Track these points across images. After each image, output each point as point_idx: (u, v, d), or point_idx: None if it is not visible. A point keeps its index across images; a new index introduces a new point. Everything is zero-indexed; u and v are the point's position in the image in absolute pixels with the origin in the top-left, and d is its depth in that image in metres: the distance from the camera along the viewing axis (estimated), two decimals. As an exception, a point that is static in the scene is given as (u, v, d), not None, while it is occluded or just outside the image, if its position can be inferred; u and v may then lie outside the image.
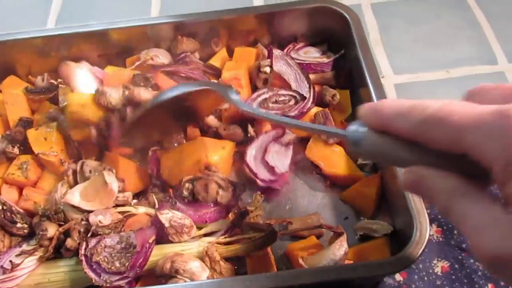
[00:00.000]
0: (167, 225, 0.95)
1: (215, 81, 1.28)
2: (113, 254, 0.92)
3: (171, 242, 0.97)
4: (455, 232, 1.14)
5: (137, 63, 1.29)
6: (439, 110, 0.51)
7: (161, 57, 1.32)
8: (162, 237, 0.98)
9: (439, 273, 1.10)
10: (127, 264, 0.90)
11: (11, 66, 1.40)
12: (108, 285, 0.90)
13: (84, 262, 0.91)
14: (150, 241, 0.93)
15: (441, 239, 1.14)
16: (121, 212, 1.01)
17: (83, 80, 1.33)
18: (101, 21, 1.57)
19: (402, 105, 0.54)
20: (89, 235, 0.95)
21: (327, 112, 1.22)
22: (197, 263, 0.92)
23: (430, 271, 1.10)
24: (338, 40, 1.37)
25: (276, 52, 1.27)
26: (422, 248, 0.93)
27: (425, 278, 1.09)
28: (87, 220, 0.95)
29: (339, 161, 1.18)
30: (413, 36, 1.55)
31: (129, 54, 1.39)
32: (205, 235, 1.00)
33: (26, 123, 1.27)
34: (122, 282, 0.90)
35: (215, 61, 1.37)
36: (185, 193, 1.02)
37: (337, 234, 1.01)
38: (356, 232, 1.12)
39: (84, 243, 0.93)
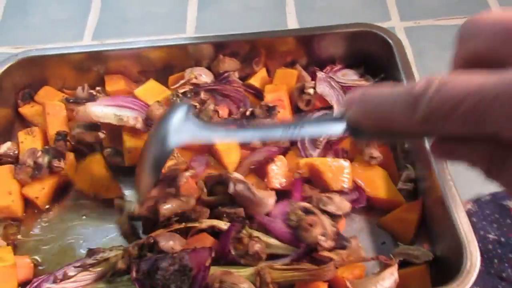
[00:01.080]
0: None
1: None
2: (167, 277, 0.89)
3: (234, 263, 0.97)
4: (495, 260, 1.14)
5: (182, 81, 1.30)
6: (442, 102, 0.43)
7: (204, 76, 1.33)
8: (224, 257, 0.98)
9: (481, 302, 1.10)
10: (184, 286, 0.88)
11: (46, 78, 1.42)
12: None
13: (137, 287, 0.90)
14: (207, 264, 0.90)
15: (481, 267, 1.14)
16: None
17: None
18: (136, 36, 1.62)
19: (393, 95, 0.48)
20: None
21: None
22: (246, 285, 0.92)
23: (472, 299, 1.10)
24: (377, 64, 1.38)
25: (320, 74, 1.29)
26: (473, 280, 0.93)
27: (467, 307, 1.09)
28: (156, 244, 0.95)
29: (380, 184, 1.18)
30: (447, 61, 1.55)
31: (169, 72, 1.42)
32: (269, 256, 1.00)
33: (64, 136, 1.27)
34: None
35: (254, 81, 1.38)
36: (292, 218, 1.01)
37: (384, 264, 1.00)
38: (394, 257, 1.12)
39: (135, 266, 0.91)
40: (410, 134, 0.57)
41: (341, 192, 1.14)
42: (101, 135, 1.24)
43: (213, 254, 0.92)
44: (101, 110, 1.20)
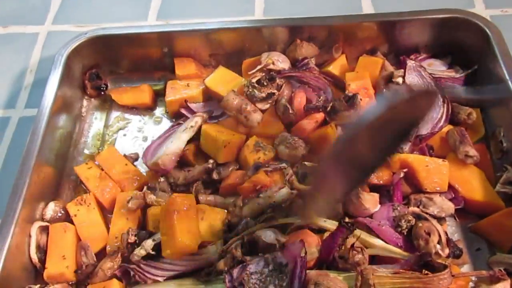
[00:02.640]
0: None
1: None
2: (262, 279, 0.86)
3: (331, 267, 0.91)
4: None
5: (259, 66, 1.22)
6: None
7: (281, 61, 1.25)
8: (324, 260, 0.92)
9: None
10: (284, 284, 0.84)
11: (114, 58, 1.37)
12: None
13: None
14: (302, 254, 0.86)
15: None
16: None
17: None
18: (202, 17, 1.54)
19: None
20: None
21: (462, 130, 1.12)
22: (343, 285, 0.85)
23: None
24: (466, 54, 1.27)
25: (410, 63, 1.19)
26: None
27: None
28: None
29: (477, 185, 1.08)
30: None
31: (241, 56, 1.34)
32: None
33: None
34: None
35: (334, 69, 1.29)
36: (402, 224, 0.93)
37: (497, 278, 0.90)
38: (490, 266, 1.03)
39: (227, 275, 0.88)
40: None
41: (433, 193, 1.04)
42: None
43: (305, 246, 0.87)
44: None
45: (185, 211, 0.99)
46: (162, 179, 1.13)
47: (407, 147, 1.10)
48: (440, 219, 1.01)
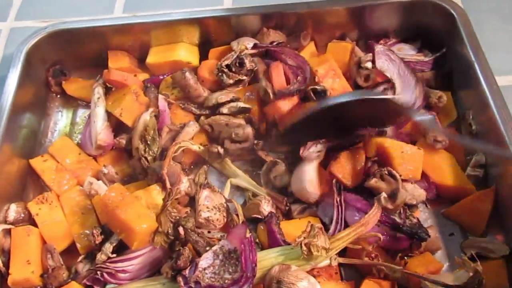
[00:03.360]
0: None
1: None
2: (216, 271, 0.85)
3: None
4: None
5: (234, 54, 1.19)
6: None
7: (252, 44, 1.23)
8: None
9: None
10: (238, 268, 0.84)
11: (78, 53, 1.33)
12: None
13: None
14: (247, 235, 0.88)
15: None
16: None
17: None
18: (170, 8, 1.51)
19: None
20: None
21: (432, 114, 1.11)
22: (305, 283, 0.83)
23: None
24: (435, 37, 1.26)
25: (378, 47, 1.17)
26: None
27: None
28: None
29: (447, 170, 1.07)
30: (509, 34, 1.42)
31: (208, 45, 1.31)
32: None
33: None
34: (246, 287, 0.83)
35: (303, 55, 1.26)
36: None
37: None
38: (463, 250, 1.02)
39: (181, 278, 0.87)
40: None
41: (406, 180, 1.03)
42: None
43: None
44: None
45: (123, 201, 0.98)
46: (105, 170, 1.11)
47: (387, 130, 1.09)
48: (412, 206, 1.00)
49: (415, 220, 0.98)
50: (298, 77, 1.15)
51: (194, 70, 1.24)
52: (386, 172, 1.00)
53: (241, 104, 1.15)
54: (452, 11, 1.19)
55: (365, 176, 1.03)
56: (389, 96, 1.06)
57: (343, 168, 1.03)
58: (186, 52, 1.29)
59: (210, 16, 1.28)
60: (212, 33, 1.30)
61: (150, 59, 1.31)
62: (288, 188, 1.08)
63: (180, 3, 1.55)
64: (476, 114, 1.12)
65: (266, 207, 1.03)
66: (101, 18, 1.30)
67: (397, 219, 0.97)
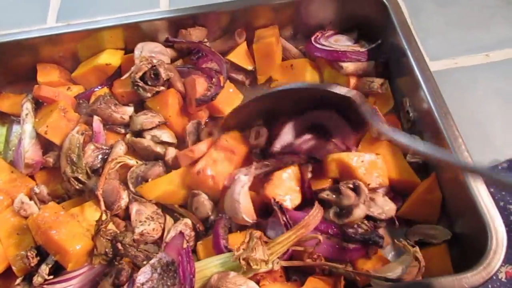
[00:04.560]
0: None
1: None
2: (155, 285, 0.83)
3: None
4: (519, 233, 1.04)
5: (127, 74, 1.17)
6: None
7: (157, 52, 1.21)
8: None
9: (503, 279, 1.00)
10: (176, 280, 0.82)
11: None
12: None
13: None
14: (185, 246, 0.86)
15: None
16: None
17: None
18: (104, 16, 1.46)
19: None
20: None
21: (374, 108, 1.11)
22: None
23: (494, 277, 1.00)
24: (371, 28, 1.25)
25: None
26: (501, 259, 0.83)
27: (489, 286, 1.00)
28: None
29: (393, 163, 1.05)
30: (445, 19, 1.44)
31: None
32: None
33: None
34: None
35: (234, 56, 1.25)
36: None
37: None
38: (408, 237, 1.01)
39: None
40: None
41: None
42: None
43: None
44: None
45: (57, 221, 0.95)
46: (37, 190, 1.07)
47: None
48: (379, 221, 0.98)
49: (365, 227, 0.95)
50: (213, 80, 1.13)
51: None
52: (351, 185, 0.96)
53: (164, 138, 1.13)
54: (384, 0, 1.19)
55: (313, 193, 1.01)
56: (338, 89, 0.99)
57: (278, 189, 0.99)
58: (106, 55, 1.25)
59: (145, 20, 1.24)
60: (145, 38, 1.26)
61: (75, 72, 1.27)
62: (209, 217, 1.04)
63: (116, 8, 1.52)
64: (412, 101, 1.12)
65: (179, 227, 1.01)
66: (29, 30, 1.25)
67: (350, 229, 0.94)
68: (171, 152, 1.10)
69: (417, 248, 0.89)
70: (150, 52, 1.19)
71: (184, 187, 1.05)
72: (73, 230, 0.94)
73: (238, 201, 0.96)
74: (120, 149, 1.10)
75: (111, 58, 1.25)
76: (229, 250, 0.92)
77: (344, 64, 1.19)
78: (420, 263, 0.86)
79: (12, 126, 1.28)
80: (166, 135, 1.13)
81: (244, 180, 0.97)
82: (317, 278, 0.91)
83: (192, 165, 1.04)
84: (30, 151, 1.10)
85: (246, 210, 0.96)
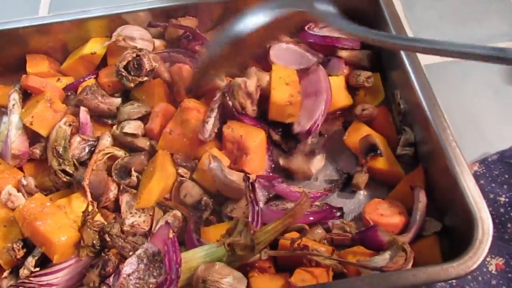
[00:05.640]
0: None
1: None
2: (141, 276, 0.82)
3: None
4: (509, 224, 1.04)
5: (106, 43, 1.18)
6: None
7: (139, 38, 1.21)
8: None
9: (493, 271, 1.00)
10: (162, 271, 0.82)
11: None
12: None
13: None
14: (170, 235, 0.85)
15: (493, 234, 1.04)
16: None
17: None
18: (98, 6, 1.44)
19: None
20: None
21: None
22: (229, 279, 0.82)
23: (484, 269, 1.00)
24: (363, 20, 1.24)
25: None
26: (487, 249, 0.83)
27: (479, 278, 0.99)
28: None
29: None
30: (438, 12, 1.43)
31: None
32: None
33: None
34: None
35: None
36: None
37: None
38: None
39: (105, 286, 0.85)
40: None
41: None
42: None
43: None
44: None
45: (42, 212, 0.94)
46: (24, 182, 1.06)
47: None
48: None
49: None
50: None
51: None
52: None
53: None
54: (376, -8, 1.18)
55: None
56: None
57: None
58: (92, 44, 1.24)
59: (131, 11, 1.23)
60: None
61: (64, 64, 1.26)
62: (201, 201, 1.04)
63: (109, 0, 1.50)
64: (403, 93, 1.12)
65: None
66: (18, 19, 1.24)
67: None
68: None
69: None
70: (130, 35, 1.19)
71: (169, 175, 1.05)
72: (59, 221, 0.93)
73: (231, 180, 0.97)
74: (107, 140, 1.10)
75: (96, 47, 1.24)
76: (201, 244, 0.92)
77: (339, 51, 1.19)
78: (407, 253, 0.86)
79: (2, 118, 1.27)
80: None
81: (216, 166, 0.98)
82: (304, 270, 0.91)
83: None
84: (17, 142, 1.09)
85: (240, 179, 0.97)
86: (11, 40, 1.24)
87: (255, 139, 1.05)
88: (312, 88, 1.11)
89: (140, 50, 1.13)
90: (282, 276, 0.92)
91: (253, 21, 0.90)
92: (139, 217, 1.01)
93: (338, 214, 1.02)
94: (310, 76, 1.13)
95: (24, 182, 1.06)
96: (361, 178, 1.05)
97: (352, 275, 0.92)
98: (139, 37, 1.21)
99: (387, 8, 1.15)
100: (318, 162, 1.08)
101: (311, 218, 0.99)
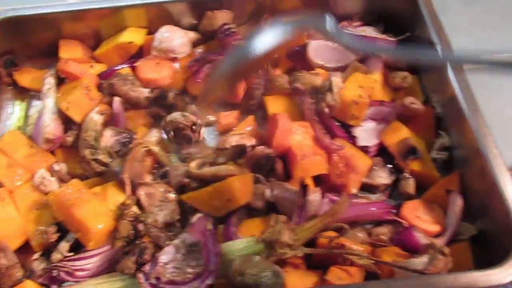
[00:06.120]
0: None
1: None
2: (178, 266, 0.83)
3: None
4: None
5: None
6: None
7: (174, 39, 1.20)
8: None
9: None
10: (201, 262, 0.82)
11: (30, 42, 1.26)
12: None
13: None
14: (209, 227, 0.86)
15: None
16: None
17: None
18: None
19: None
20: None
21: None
22: (269, 273, 0.81)
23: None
24: (400, 21, 1.24)
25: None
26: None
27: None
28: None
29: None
30: (471, 18, 1.42)
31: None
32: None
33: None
34: (209, 281, 0.81)
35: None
36: None
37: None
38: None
39: (141, 274, 0.84)
40: None
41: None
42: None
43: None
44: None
45: (80, 198, 0.93)
46: (57, 167, 1.06)
47: None
48: None
49: None
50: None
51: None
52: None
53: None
54: (413, -8, 1.18)
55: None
56: None
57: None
58: (129, 33, 1.23)
59: (166, 1, 1.23)
60: (165, 18, 1.24)
61: (98, 50, 1.26)
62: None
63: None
64: (440, 97, 1.11)
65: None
66: (53, 4, 1.23)
67: None
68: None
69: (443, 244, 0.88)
70: (169, 48, 1.19)
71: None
72: (96, 209, 0.93)
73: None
74: (156, 136, 1.10)
75: (133, 36, 1.24)
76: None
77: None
78: (446, 257, 0.85)
79: (32, 101, 1.27)
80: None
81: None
82: (339, 268, 0.90)
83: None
84: (51, 126, 1.09)
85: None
86: (44, 25, 1.24)
87: (366, 162, 1.05)
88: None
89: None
90: (315, 272, 0.92)
91: (268, 40, 0.82)
92: (166, 208, 0.99)
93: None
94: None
95: (57, 168, 1.05)
96: (408, 184, 1.03)
97: (384, 275, 0.91)
98: (178, 48, 1.20)
99: (427, 11, 1.15)
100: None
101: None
